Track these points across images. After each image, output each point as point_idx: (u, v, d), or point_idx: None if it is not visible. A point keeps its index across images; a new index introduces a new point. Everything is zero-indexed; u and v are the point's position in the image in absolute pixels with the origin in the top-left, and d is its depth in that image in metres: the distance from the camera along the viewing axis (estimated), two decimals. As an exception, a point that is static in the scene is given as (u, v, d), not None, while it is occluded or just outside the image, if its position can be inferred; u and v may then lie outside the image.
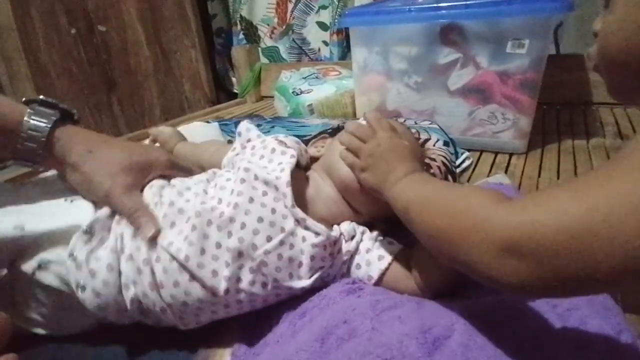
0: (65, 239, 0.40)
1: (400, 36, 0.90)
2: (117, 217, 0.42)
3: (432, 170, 0.56)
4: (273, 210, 0.42)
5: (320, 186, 0.47)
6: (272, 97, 1.57)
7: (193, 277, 0.39)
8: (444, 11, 0.82)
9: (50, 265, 0.40)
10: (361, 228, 0.45)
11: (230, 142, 0.68)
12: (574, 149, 0.85)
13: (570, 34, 1.13)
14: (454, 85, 0.87)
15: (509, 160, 0.84)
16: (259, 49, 1.73)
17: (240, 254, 0.40)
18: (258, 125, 0.77)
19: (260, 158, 0.47)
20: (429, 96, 0.91)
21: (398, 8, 0.87)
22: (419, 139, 0.63)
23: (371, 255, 0.44)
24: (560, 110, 1.08)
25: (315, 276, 0.42)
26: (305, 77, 1.22)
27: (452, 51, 0.85)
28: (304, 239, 0.42)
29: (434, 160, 0.57)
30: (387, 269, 0.43)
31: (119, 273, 0.39)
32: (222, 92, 1.81)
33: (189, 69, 1.56)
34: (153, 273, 0.39)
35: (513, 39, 0.78)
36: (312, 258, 0.42)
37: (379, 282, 0.43)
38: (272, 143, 0.48)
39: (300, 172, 0.49)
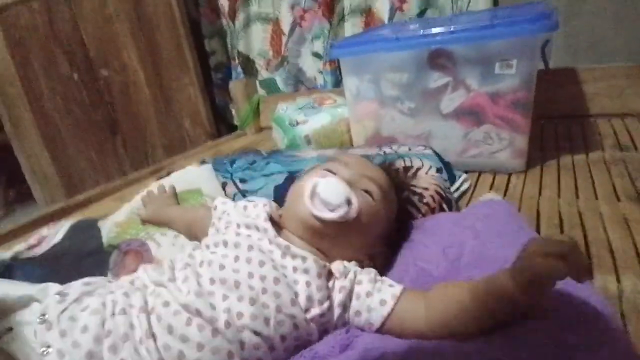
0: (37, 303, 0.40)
1: (389, 64, 0.91)
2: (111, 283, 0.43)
3: (425, 200, 0.55)
4: (259, 249, 0.43)
5: (289, 236, 0.47)
6: (272, 128, 1.60)
7: (190, 317, 0.39)
8: (430, 38, 0.83)
9: (20, 328, 0.39)
10: (354, 267, 0.44)
11: (224, 184, 0.68)
12: (574, 165, 0.84)
13: (559, 49, 1.13)
14: (447, 108, 0.88)
15: (508, 180, 0.83)
16: (257, 81, 1.76)
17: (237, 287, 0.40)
18: (253, 162, 0.77)
19: (237, 215, 0.50)
20: (423, 121, 0.92)
21: (385, 37, 0.89)
22: (411, 167, 0.63)
23: (372, 300, 0.41)
24: (558, 124, 1.07)
25: (315, 311, 0.41)
26: (301, 108, 1.24)
27: (442, 75, 0.86)
28: (294, 269, 0.42)
29: (426, 189, 0.56)
30: (389, 314, 0.40)
31: (98, 336, 0.38)
32: (224, 125, 1.84)
33: (189, 106, 1.60)
34: (149, 322, 0.39)
35: (501, 60, 0.79)
36: (308, 284, 0.41)
37: (380, 329, 0.41)
38: (243, 202, 0.51)
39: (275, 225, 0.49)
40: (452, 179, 0.76)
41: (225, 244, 0.45)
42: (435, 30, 0.83)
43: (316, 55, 1.63)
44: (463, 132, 0.88)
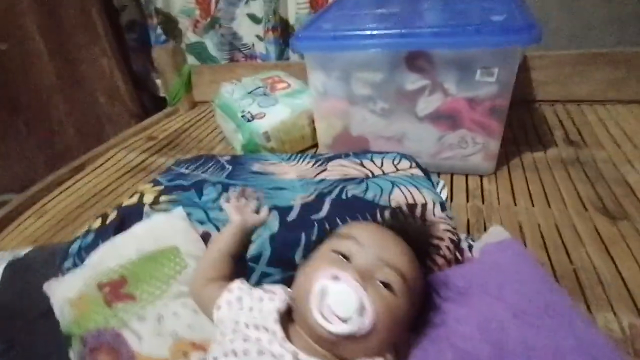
0: None
1: (362, 62, 0.83)
2: None
3: (441, 252, 0.53)
4: (271, 354, 0.38)
5: (301, 337, 0.41)
6: (207, 102, 1.42)
7: None
8: (410, 38, 0.77)
9: None
10: None
11: (206, 234, 0.57)
12: (537, 166, 0.88)
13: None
14: (423, 111, 0.84)
15: (481, 184, 0.85)
16: (183, 44, 1.53)
17: None
18: (224, 189, 0.66)
19: (249, 310, 0.43)
20: (396, 122, 0.87)
21: (359, 34, 0.79)
22: (415, 204, 0.59)
23: None
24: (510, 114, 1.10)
25: None
26: (250, 92, 1.10)
27: (420, 78, 0.81)
28: None
29: (441, 239, 0.53)
30: None
31: None
32: (146, 96, 1.60)
33: (103, 80, 1.33)
34: None
35: (482, 67, 0.76)
36: None
37: None
38: (259, 292, 0.45)
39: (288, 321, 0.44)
40: (432, 186, 0.75)
41: (235, 354, 0.39)
42: (415, 30, 0.76)
43: (253, 18, 1.44)
44: (438, 135, 0.86)
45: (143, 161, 1.12)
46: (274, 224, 0.57)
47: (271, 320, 0.41)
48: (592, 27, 1.11)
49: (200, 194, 0.68)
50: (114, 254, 0.54)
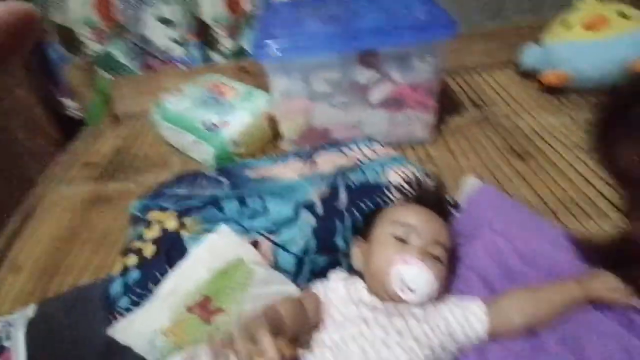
0: None
1: (320, 63, 0.94)
2: None
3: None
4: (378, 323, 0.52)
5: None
6: (133, 116, 1.36)
7: None
8: (360, 40, 0.90)
9: None
10: None
11: (255, 242, 0.65)
12: (461, 128, 1.11)
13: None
14: (375, 100, 1.00)
15: (427, 151, 1.05)
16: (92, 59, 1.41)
17: None
18: (242, 201, 0.73)
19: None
20: (353, 112, 1.01)
21: (316, 41, 0.90)
22: (418, 178, 0.74)
23: (471, 322, 0.53)
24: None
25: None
26: (200, 101, 1.12)
27: (371, 72, 0.96)
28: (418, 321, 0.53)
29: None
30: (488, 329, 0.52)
31: None
32: (57, 119, 1.45)
33: (20, 113, 1.19)
34: None
35: (420, 57, 0.93)
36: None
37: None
38: (340, 284, 0.58)
39: None
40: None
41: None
42: (362, 32, 0.90)
43: (164, 21, 1.40)
44: (389, 117, 1.03)
45: (96, 191, 1.07)
46: (311, 219, 0.68)
47: (366, 295, 0.55)
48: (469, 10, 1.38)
49: (220, 210, 0.73)
50: (187, 279, 0.59)
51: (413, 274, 0.53)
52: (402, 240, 0.56)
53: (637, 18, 1.12)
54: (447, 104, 1.23)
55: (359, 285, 0.56)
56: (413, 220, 0.58)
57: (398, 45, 0.91)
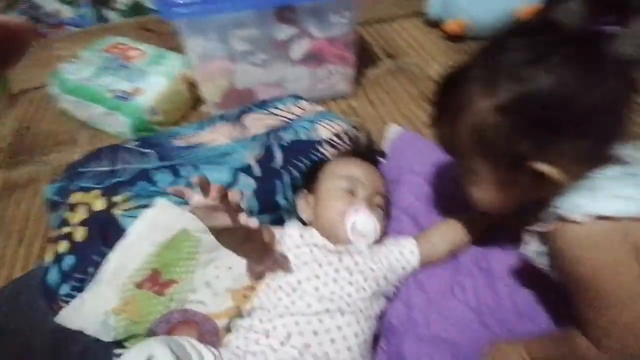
0: None
1: (236, 21, 0.90)
2: None
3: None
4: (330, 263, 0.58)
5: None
6: (28, 90, 1.21)
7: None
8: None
9: None
10: None
11: None
12: (377, 79, 1.17)
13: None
14: (296, 55, 0.99)
15: (349, 104, 1.09)
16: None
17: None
18: (176, 170, 0.71)
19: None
20: (275, 69, 1.01)
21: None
22: (346, 132, 0.77)
23: (405, 256, 0.61)
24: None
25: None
26: (104, 68, 1.02)
27: (289, 27, 0.95)
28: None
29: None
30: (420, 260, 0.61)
31: None
32: None
33: None
34: None
35: (335, 11, 0.94)
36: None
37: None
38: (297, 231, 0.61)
39: None
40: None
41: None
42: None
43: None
44: (310, 73, 1.04)
45: (2, 179, 0.95)
46: (250, 181, 0.69)
47: (319, 239, 0.59)
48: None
49: (151, 183, 0.71)
50: (132, 257, 0.57)
51: (364, 223, 0.59)
52: (350, 192, 0.61)
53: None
54: (363, 57, 1.27)
55: (313, 231, 0.60)
56: (357, 173, 0.63)
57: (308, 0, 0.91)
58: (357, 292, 0.53)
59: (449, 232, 0.63)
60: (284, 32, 0.95)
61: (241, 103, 0.98)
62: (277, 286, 0.55)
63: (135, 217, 0.63)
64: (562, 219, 0.41)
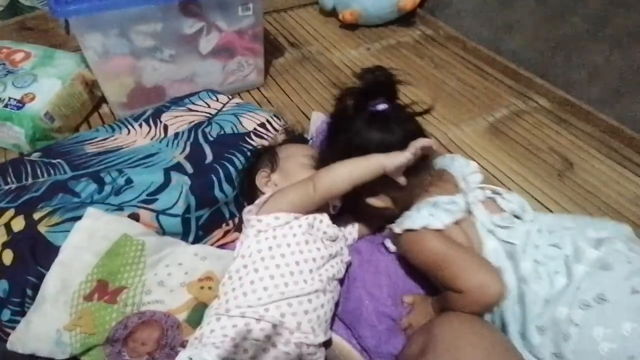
0: None
1: (138, 16, 0.87)
2: None
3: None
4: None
5: None
6: None
7: None
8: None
9: None
10: None
11: (135, 215, 0.62)
12: (286, 68, 1.21)
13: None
14: (205, 49, 0.99)
15: (263, 95, 1.12)
16: None
17: None
18: (101, 184, 0.67)
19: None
20: (185, 64, 0.99)
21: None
22: (270, 121, 0.80)
23: None
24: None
25: None
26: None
27: (196, 21, 0.93)
28: None
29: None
30: None
31: None
32: None
33: None
34: None
35: (241, 4, 0.96)
36: None
37: None
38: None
39: None
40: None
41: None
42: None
43: None
44: (221, 66, 1.04)
45: None
46: (184, 179, 0.69)
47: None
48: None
49: (73, 194, 0.66)
50: (75, 271, 0.54)
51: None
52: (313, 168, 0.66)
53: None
54: (268, 47, 1.31)
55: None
56: (310, 152, 0.69)
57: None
58: (338, 272, 0.59)
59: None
60: (190, 26, 0.93)
61: (150, 101, 0.95)
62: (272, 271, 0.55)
63: (64, 231, 0.59)
64: (404, 229, 0.58)
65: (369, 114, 0.59)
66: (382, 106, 0.59)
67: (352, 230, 0.68)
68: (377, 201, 0.62)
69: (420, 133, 0.61)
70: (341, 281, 0.62)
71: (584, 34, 1.04)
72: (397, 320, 0.59)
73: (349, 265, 0.64)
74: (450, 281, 0.54)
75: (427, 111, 0.62)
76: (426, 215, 0.58)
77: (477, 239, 0.58)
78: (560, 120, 1.10)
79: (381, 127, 0.59)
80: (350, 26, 1.40)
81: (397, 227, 0.60)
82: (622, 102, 1.02)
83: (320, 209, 0.63)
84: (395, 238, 0.63)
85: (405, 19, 1.43)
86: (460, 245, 0.57)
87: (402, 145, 0.57)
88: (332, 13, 1.43)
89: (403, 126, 0.59)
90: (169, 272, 0.59)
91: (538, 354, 0.50)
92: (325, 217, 0.61)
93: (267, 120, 0.84)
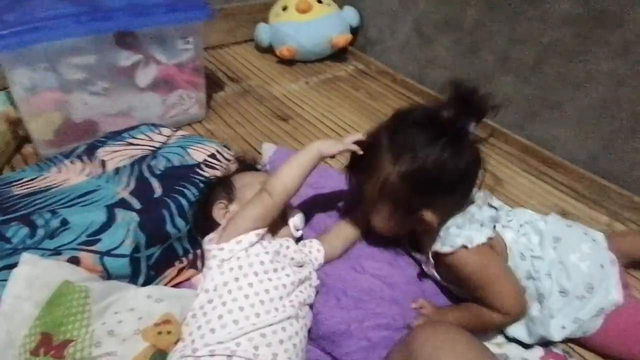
0: None
1: (68, 47, 0.81)
2: None
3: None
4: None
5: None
6: None
7: None
8: (112, 22, 0.83)
9: None
10: None
11: (75, 258, 0.54)
12: (227, 101, 1.20)
13: None
14: (143, 82, 0.95)
15: (206, 127, 1.09)
16: None
17: None
18: (34, 229, 0.60)
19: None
20: (120, 98, 0.93)
21: (59, 21, 0.77)
22: (220, 152, 0.78)
23: None
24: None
25: None
26: None
27: (132, 53, 0.90)
28: None
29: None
30: None
31: None
32: None
33: None
34: None
35: (181, 37, 0.95)
36: None
37: None
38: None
39: None
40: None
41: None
42: (113, 12, 0.83)
43: None
44: (160, 100, 1.00)
45: None
46: (131, 215, 0.63)
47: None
48: None
49: (5, 240, 0.58)
50: (18, 324, 0.47)
51: (301, 217, 0.66)
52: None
53: (328, 3, 1.46)
54: (208, 82, 1.29)
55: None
56: (255, 180, 0.67)
57: (154, 26, 0.89)
58: (308, 297, 0.57)
59: (342, 232, 0.71)
60: (126, 58, 0.90)
61: (80, 138, 0.88)
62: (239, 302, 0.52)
63: (1, 280, 0.51)
64: (457, 246, 0.60)
65: (458, 131, 0.58)
66: (472, 126, 0.59)
67: (318, 256, 0.67)
68: (432, 217, 0.61)
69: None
70: (311, 306, 0.60)
71: (494, 67, 1.18)
72: (374, 341, 0.59)
73: (317, 289, 0.62)
74: (492, 300, 0.59)
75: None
76: (475, 230, 0.61)
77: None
78: (485, 142, 1.21)
79: (466, 148, 0.59)
80: (287, 61, 1.44)
81: (446, 246, 0.61)
82: (533, 125, 1.16)
83: (284, 233, 0.62)
84: (437, 257, 0.63)
85: (338, 55, 1.51)
86: (501, 260, 0.63)
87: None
88: (268, 49, 1.46)
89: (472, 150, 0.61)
90: (120, 320, 0.53)
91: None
92: (291, 243, 0.60)
93: (217, 151, 0.82)
